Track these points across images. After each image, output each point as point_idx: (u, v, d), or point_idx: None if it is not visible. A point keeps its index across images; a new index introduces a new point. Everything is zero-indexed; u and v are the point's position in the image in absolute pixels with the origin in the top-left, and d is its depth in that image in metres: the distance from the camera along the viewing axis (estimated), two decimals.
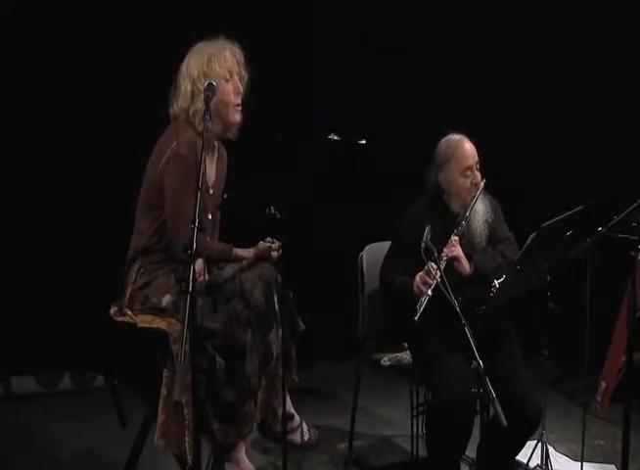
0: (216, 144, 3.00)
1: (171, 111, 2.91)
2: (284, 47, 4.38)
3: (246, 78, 2.93)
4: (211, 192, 2.96)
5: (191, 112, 2.84)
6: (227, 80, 2.87)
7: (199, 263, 2.63)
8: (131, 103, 4.04)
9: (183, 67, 2.89)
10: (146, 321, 2.83)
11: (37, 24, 3.98)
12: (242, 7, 4.21)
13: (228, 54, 2.88)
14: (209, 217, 2.94)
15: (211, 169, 2.97)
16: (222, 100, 2.85)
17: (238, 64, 2.90)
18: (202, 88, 2.73)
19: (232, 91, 2.89)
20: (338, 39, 4.56)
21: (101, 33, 4.04)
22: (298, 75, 4.51)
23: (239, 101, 2.92)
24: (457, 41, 4.63)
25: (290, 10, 4.43)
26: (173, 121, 2.91)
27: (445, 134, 3.14)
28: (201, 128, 2.74)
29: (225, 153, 3.08)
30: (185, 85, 2.85)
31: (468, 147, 3.09)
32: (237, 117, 2.93)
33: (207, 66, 2.83)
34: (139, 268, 2.90)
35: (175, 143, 2.80)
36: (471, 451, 3.17)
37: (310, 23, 4.53)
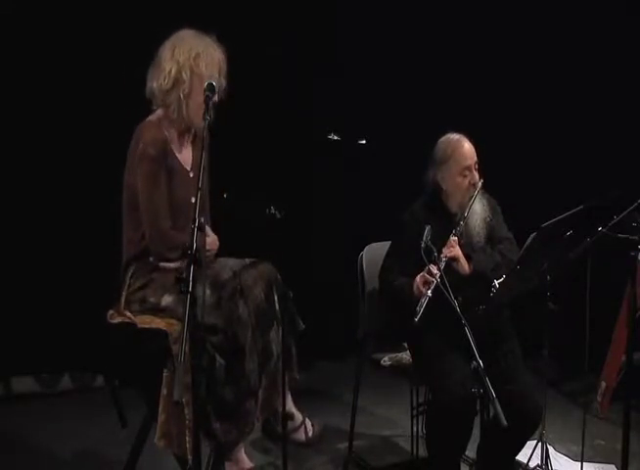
0: (193, 130, 2.97)
1: (148, 86, 2.89)
2: (284, 47, 4.38)
3: (223, 87, 2.89)
4: (191, 175, 2.93)
5: (168, 99, 2.85)
6: None
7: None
8: (134, 106, 4.03)
9: (167, 48, 2.86)
10: (146, 322, 2.83)
11: (37, 24, 3.98)
12: (243, 6, 4.22)
13: (215, 57, 2.87)
14: (192, 201, 2.90)
15: (187, 153, 2.95)
16: (194, 97, 2.82)
17: (220, 71, 2.89)
18: (185, 78, 2.80)
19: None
20: (338, 39, 4.56)
21: (101, 34, 4.04)
22: (298, 75, 4.51)
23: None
24: (457, 41, 4.63)
25: (290, 10, 4.44)
26: (149, 97, 2.90)
27: (445, 134, 3.15)
28: (175, 116, 2.84)
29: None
30: (170, 68, 2.83)
31: (467, 147, 3.09)
32: (200, 120, 2.72)
33: (194, 61, 2.83)
34: (133, 273, 2.90)
35: (142, 144, 2.82)
36: (471, 451, 3.17)
37: (311, 23, 4.53)
